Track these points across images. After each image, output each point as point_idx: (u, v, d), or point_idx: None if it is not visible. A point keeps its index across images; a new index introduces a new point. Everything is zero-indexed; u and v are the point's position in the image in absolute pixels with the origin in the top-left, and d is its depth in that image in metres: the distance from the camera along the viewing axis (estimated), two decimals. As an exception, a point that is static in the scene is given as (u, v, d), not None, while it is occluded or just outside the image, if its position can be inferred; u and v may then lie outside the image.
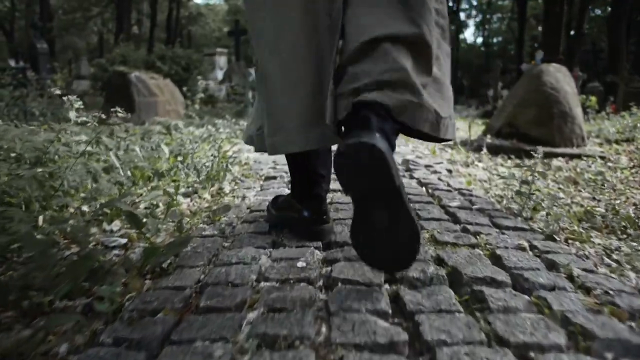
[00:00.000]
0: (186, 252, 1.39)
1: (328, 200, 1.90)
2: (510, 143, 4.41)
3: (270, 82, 1.29)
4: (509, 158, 4.00)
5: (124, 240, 1.53)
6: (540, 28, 38.69)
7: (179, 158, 2.91)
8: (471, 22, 48.53)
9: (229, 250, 1.43)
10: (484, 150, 4.04)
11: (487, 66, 33.82)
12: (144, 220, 1.44)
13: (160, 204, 1.98)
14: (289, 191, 1.81)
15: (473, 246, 1.46)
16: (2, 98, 6.04)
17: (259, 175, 2.75)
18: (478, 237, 1.56)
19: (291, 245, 1.46)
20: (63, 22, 28.75)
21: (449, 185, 2.46)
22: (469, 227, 1.67)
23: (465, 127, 7.42)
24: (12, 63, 16.43)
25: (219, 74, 15.44)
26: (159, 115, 8.04)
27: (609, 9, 20.83)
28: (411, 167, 3.06)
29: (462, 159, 3.70)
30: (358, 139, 0.98)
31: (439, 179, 2.63)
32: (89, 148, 2.36)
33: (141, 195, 2.17)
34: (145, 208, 1.93)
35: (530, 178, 2.21)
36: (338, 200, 2.06)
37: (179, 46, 12.24)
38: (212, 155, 2.86)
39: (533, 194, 2.12)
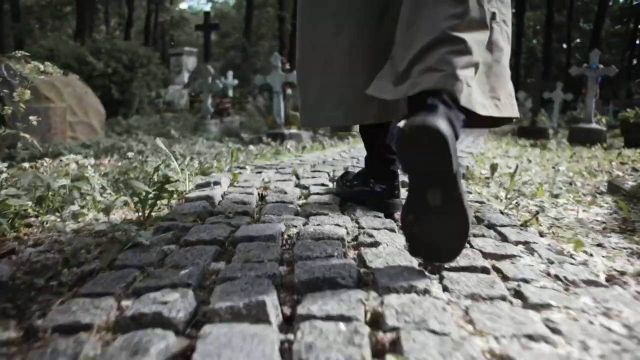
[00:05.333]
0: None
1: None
2: None
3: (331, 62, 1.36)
4: None
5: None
6: (535, 41, 36.48)
7: None
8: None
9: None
10: None
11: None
12: None
13: None
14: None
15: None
16: None
17: None
18: None
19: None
20: (32, 22, 25.58)
21: None
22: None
23: (534, 156, 4.39)
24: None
25: (187, 77, 12.44)
26: (56, 132, 5.02)
27: None
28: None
29: None
30: (423, 122, 0.91)
31: None
32: None
33: None
34: None
35: None
36: None
37: (122, 37, 9.19)
38: None
39: None
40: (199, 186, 1.87)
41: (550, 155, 5.24)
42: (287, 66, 6.85)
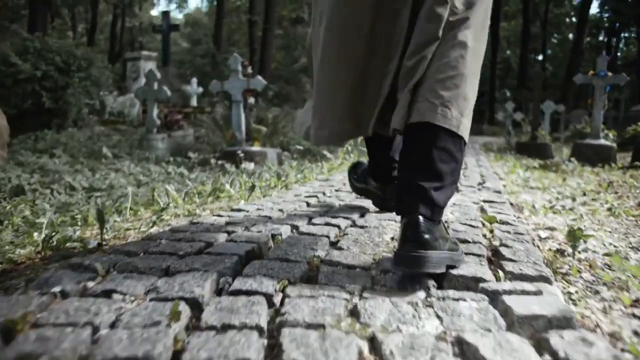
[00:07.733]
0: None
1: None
2: None
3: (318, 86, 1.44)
4: None
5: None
6: (508, 52, 36.02)
7: None
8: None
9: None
10: None
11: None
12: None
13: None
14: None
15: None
16: None
17: None
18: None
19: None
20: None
21: None
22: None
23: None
24: None
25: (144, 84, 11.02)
26: None
27: None
28: None
29: None
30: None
31: None
32: None
33: None
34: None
35: None
36: None
37: (59, 39, 7.77)
38: None
39: None
40: None
41: (572, 183, 4.11)
42: (250, 70, 5.58)
